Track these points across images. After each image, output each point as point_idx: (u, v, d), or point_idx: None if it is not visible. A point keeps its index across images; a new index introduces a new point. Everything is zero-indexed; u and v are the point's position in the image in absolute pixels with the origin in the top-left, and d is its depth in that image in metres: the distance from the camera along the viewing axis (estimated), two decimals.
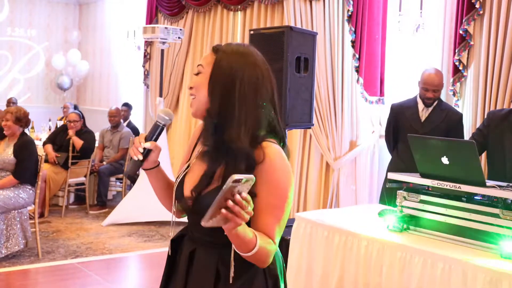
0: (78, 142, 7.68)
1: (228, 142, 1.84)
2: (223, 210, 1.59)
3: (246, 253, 1.77)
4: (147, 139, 1.97)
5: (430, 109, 4.71)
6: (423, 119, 4.73)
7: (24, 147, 5.58)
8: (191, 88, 1.97)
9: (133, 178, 1.87)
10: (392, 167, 4.91)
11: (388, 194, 4.35)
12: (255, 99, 1.89)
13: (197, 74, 1.96)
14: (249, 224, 1.75)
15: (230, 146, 1.83)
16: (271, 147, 1.88)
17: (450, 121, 4.67)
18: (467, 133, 4.95)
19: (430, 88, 4.65)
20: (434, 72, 4.68)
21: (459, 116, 4.78)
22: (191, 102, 1.98)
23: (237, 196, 1.60)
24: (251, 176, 1.61)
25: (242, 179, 1.58)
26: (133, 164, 1.98)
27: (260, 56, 1.98)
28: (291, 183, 1.91)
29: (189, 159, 2.09)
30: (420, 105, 4.77)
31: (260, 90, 1.91)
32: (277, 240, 1.89)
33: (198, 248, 1.99)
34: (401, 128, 4.89)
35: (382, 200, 4.80)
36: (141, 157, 1.97)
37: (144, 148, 1.97)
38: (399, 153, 4.91)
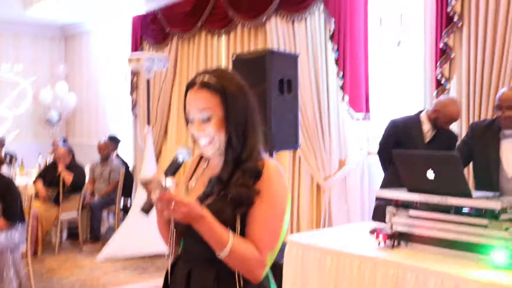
0: (68, 177, 7.64)
1: (241, 164, 1.96)
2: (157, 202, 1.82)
3: (220, 251, 1.85)
4: (166, 175, 1.93)
5: (435, 131, 4.71)
6: (427, 140, 4.71)
7: (7, 189, 5.47)
8: (201, 133, 1.97)
9: (148, 212, 1.88)
10: (387, 185, 4.85)
11: (378, 211, 4.35)
12: (259, 124, 2.03)
13: (207, 120, 1.95)
14: (244, 231, 1.90)
15: (242, 166, 1.95)
16: (269, 162, 2.00)
17: (451, 142, 4.68)
18: None
19: (451, 122, 4.67)
20: (458, 105, 4.67)
21: (457, 137, 4.81)
22: (206, 147, 1.99)
23: (152, 196, 1.80)
24: (153, 177, 1.81)
25: (146, 182, 1.82)
26: (151, 202, 1.91)
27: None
28: (288, 199, 1.99)
29: (188, 182, 2.13)
30: (426, 126, 4.73)
31: (258, 114, 2.04)
32: (266, 253, 1.91)
33: (194, 269, 2.02)
34: (403, 144, 4.75)
35: (374, 217, 4.78)
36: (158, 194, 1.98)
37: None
38: (396, 170, 4.86)
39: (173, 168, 1.97)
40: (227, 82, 1.98)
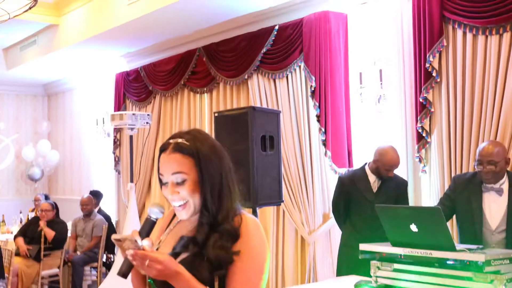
0: (50, 233, 7.58)
1: (217, 226, 1.94)
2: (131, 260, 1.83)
3: None
4: (141, 235, 1.92)
5: (380, 180, 4.85)
6: (375, 189, 4.84)
7: None
8: (176, 196, 1.96)
9: (127, 276, 1.85)
10: (347, 239, 4.96)
11: (347, 265, 4.49)
12: (235, 183, 2.03)
13: (181, 183, 1.95)
14: None
15: (219, 228, 1.94)
16: (246, 217, 1.99)
17: (399, 189, 4.89)
18: (435, 197, 5.04)
19: (391, 169, 4.81)
20: (395, 153, 4.83)
21: (406, 183, 5.03)
22: (181, 211, 1.98)
23: (127, 253, 1.82)
24: (127, 235, 1.82)
25: (120, 239, 1.82)
26: (128, 264, 1.89)
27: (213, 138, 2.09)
28: (267, 251, 1.98)
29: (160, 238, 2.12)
30: (371, 177, 4.91)
31: (234, 172, 2.05)
32: None
33: None
34: (353, 199, 4.98)
35: (339, 273, 4.88)
36: None
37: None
38: (353, 224, 4.98)
39: (147, 227, 1.97)
40: (200, 144, 1.98)
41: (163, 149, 2.00)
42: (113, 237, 1.83)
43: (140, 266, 1.82)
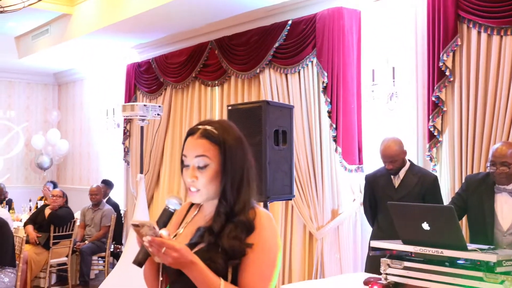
0: (47, 211, 7.68)
1: (233, 216, 1.96)
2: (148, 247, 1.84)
3: None
4: (159, 225, 1.94)
5: (402, 174, 4.80)
6: (396, 185, 4.81)
7: None
8: (194, 181, 1.98)
9: (142, 265, 1.86)
10: (372, 237, 4.96)
11: (372, 262, 4.37)
12: (254, 179, 2.05)
13: (203, 167, 1.98)
14: (235, 280, 1.91)
15: (235, 219, 1.96)
16: (260, 211, 2.01)
17: (424, 183, 4.76)
18: (446, 197, 5.02)
19: (386, 160, 4.79)
20: (386, 144, 4.81)
21: (433, 178, 4.85)
22: (194, 194, 2.00)
23: (144, 239, 1.83)
24: (146, 221, 1.82)
25: (138, 224, 1.82)
26: (144, 252, 1.92)
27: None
28: (279, 245, 2.01)
29: (177, 229, 2.14)
30: None
31: (255, 168, 2.07)
32: None
33: None
34: (378, 197, 4.97)
35: (367, 269, 4.81)
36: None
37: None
38: (379, 223, 4.97)
39: (165, 217, 2.00)
40: (228, 135, 2.01)
41: (190, 133, 2.03)
42: (132, 222, 1.85)
43: (156, 253, 1.83)
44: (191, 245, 1.97)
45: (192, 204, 2.20)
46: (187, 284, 1.90)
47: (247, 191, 2.01)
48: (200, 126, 2.03)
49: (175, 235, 2.11)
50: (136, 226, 1.83)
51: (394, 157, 4.74)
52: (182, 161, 2.04)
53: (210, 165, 1.97)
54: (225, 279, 1.90)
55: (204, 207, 2.11)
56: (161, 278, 2.08)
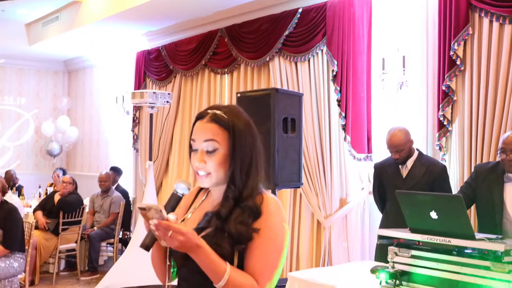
0: (57, 197, 7.75)
1: (241, 201, 1.96)
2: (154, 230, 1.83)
3: (217, 282, 1.86)
4: (166, 209, 1.94)
5: (410, 164, 4.78)
6: (404, 175, 4.79)
7: (9, 216, 5.49)
8: (202, 165, 1.98)
9: (149, 248, 1.87)
10: (381, 226, 4.95)
11: (381, 251, 4.37)
12: (263, 165, 2.05)
13: (212, 151, 1.97)
14: (241, 265, 1.91)
15: (242, 204, 1.96)
16: (268, 197, 2.00)
17: (432, 173, 4.71)
18: (455, 187, 5.01)
19: (392, 150, 4.76)
20: (392, 133, 4.78)
21: (441, 167, 4.81)
22: (203, 179, 2.00)
23: (150, 222, 1.81)
24: (152, 205, 1.81)
25: (145, 207, 1.81)
26: (152, 236, 1.91)
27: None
28: (286, 231, 2.00)
29: (185, 215, 2.14)
30: None
31: (263, 154, 2.07)
32: (266, 285, 1.92)
33: None
34: (386, 186, 4.96)
35: (376, 258, 4.81)
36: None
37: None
38: (387, 211, 4.96)
39: (173, 202, 1.99)
40: (237, 120, 2.00)
41: (199, 117, 2.02)
42: (139, 205, 1.84)
43: (162, 236, 1.82)
44: (198, 230, 1.97)
45: (200, 190, 2.21)
46: (194, 269, 1.91)
47: (255, 176, 2.00)
48: (209, 111, 2.03)
49: (183, 220, 2.11)
50: (143, 209, 1.82)
51: (400, 146, 4.71)
52: (190, 146, 2.03)
53: (219, 150, 1.96)
54: (231, 264, 1.90)
55: (212, 192, 2.11)
56: (168, 263, 2.09)
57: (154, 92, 7.17)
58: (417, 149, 4.89)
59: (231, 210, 1.96)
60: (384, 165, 5.01)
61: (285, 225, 2.00)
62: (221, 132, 1.97)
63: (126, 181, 9.82)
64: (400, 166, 4.82)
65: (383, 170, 4.99)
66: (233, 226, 1.92)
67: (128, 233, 8.93)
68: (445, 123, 5.21)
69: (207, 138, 1.97)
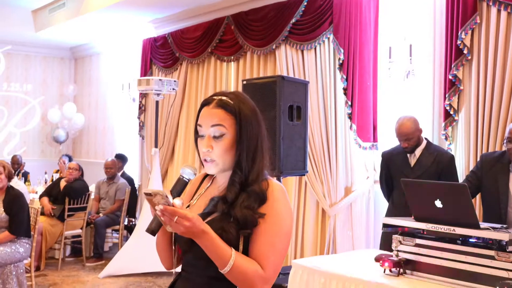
0: (63, 183, 7.78)
1: (247, 186, 1.98)
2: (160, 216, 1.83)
3: (222, 267, 1.86)
4: (172, 194, 1.96)
5: (418, 153, 4.78)
6: (412, 164, 4.79)
7: (15, 202, 5.50)
8: (209, 150, 1.98)
9: (155, 233, 1.87)
10: (387, 215, 4.96)
11: (386, 239, 4.37)
12: (267, 150, 2.07)
13: (219, 137, 1.98)
14: (247, 251, 1.92)
15: (248, 189, 1.97)
16: (273, 183, 2.02)
17: (440, 162, 4.71)
18: (461, 176, 4.99)
19: (401, 139, 4.75)
20: (401, 122, 4.78)
21: (449, 157, 4.82)
22: (210, 165, 2.00)
23: (156, 208, 1.81)
24: (158, 190, 1.80)
25: (151, 193, 1.81)
26: (158, 221, 1.91)
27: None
28: (291, 217, 2.01)
29: (190, 201, 2.15)
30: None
31: (268, 140, 2.10)
32: (271, 270, 1.93)
33: (195, 287, 2.04)
34: (393, 175, 4.96)
35: (381, 246, 4.82)
36: None
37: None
38: (394, 200, 4.96)
39: (179, 187, 2.00)
40: (243, 105, 2.02)
41: (206, 103, 2.03)
42: (144, 191, 1.84)
43: (168, 222, 1.82)
44: (204, 215, 1.98)
45: (205, 177, 2.21)
46: (199, 254, 1.91)
47: (261, 161, 2.02)
48: (215, 97, 2.04)
49: (188, 206, 2.12)
50: (148, 195, 1.82)
51: (409, 135, 4.71)
52: (196, 132, 2.04)
53: (225, 135, 1.98)
54: (237, 249, 1.91)
55: (217, 179, 2.12)
56: (173, 248, 2.10)
57: (160, 79, 7.18)
58: (426, 138, 4.88)
59: (237, 195, 1.97)
60: (392, 154, 5.01)
61: (290, 211, 2.01)
62: (228, 117, 1.98)
63: (131, 168, 9.84)
64: (408, 155, 4.82)
65: (391, 158, 4.99)
66: (239, 211, 1.93)
67: (133, 219, 8.96)
68: (452, 112, 5.20)
69: (214, 123, 1.98)
